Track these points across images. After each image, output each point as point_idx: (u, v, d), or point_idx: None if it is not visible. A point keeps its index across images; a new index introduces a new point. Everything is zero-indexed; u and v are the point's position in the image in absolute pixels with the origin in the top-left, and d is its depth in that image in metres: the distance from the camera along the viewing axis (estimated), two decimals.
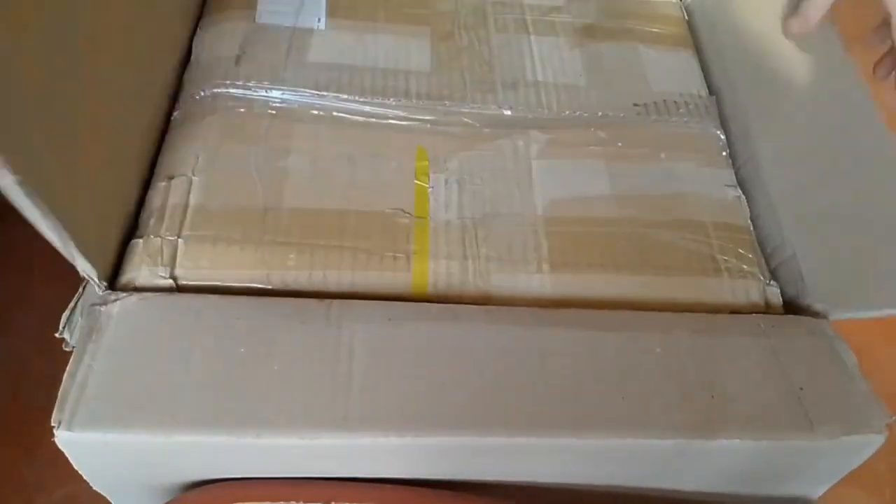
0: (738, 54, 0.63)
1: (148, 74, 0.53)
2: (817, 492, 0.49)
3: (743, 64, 0.62)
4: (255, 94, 0.54)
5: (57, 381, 0.39)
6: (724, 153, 0.58)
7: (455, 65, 0.59)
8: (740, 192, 0.55)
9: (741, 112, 0.59)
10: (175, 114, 0.53)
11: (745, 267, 0.51)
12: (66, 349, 0.42)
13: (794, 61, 0.63)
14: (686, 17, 0.68)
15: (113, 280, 0.45)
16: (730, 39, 0.64)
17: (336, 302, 0.44)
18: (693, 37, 0.66)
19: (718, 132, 0.59)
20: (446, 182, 0.52)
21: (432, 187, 0.52)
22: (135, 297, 0.43)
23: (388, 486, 0.43)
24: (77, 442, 0.38)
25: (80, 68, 0.50)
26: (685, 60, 0.64)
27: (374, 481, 0.43)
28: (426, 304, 0.46)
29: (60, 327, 0.43)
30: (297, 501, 0.41)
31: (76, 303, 0.44)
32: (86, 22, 0.52)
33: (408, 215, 0.50)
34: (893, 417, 0.43)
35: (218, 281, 0.45)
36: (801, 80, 0.61)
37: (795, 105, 0.60)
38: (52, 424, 0.38)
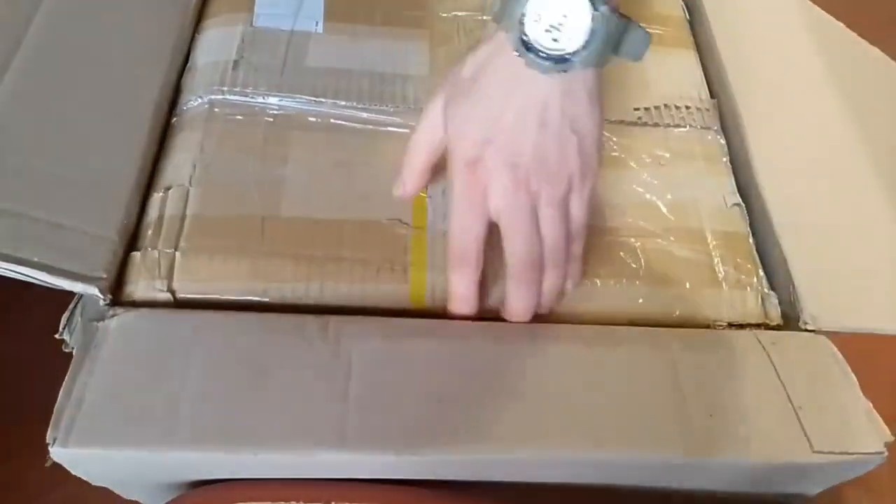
0: (736, 58, 0.62)
1: (145, 82, 0.52)
2: (814, 490, 0.49)
3: (740, 68, 0.61)
4: (252, 100, 0.53)
5: (57, 381, 0.39)
6: (724, 159, 0.57)
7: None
8: (740, 199, 0.55)
9: (736, 117, 0.59)
10: (173, 120, 0.53)
11: (743, 277, 0.51)
12: (66, 350, 0.42)
13: (793, 67, 0.63)
14: (688, 18, 0.67)
15: (113, 292, 0.45)
16: (728, 42, 0.63)
17: (333, 318, 0.44)
18: (695, 39, 0.66)
19: (719, 137, 0.58)
20: (444, 192, 0.52)
21: (430, 197, 0.51)
22: (132, 312, 0.43)
23: (388, 486, 0.43)
24: (73, 457, 0.39)
25: (75, 80, 0.50)
26: (686, 62, 0.63)
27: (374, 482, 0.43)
28: (423, 320, 0.46)
29: (60, 328, 0.43)
30: (297, 502, 0.41)
31: (76, 303, 0.44)
32: (82, 30, 0.52)
33: (405, 226, 0.49)
34: (893, 438, 0.43)
35: (216, 293, 0.45)
36: (796, 87, 0.61)
37: (789, 112, 0.60)
38: (47, 441, 0.38)
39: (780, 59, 0.63)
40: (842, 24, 0.67)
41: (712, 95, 0.61)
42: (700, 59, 0.64)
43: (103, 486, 0.46)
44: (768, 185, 0.54)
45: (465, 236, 0.45)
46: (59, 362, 0.41)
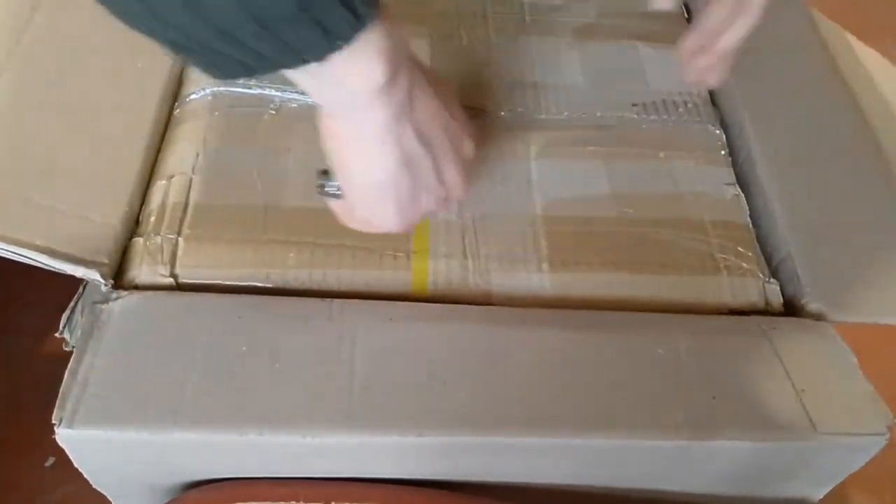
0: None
1: (148, 73, 0.53)
2: (818, 494, 0.49)
3: (740, 64, 0.62)
4: (254, 92, 0.54)
5: (57, 381, 0.39)
6: (723, 151, 0.58)
7: (454, 66, 0.59)
8: (739, 190, 0.55)
9: (737, 111, 0.59)
10: (175, 112, 0.53)
11: (744, 265, 0.51)
12: (66, 349, 0.42)
13: (792, 61, 0.63)
14: (686, 15, 0.67)
15: (115, 278, 0.45)
16: None
17: (337, 301, 0.44)
18: None
19: (718, 131, 0.59)
20: None
21: None
22: (136, 295, 0.43)
23: (389, 486, 0.43)
24: (78, 439, 0.38)
25: (79, 69, 0.51)
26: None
27: (374, 481, 0.43)
28: (427, 304, 0.46)
29: (60, 327, 0.43)
30: (297, 501, 0.41)
31: (76, 303, 0.44)
32: (86, 22, 0.53)
33: None
34: (895, 421, 0.43)
35: (218, 279, 0.45)
36: (798, 81, 0.62)
37: (792, 105, 0.60)
38: (53, 422, 0.38)
39: (780, 55, 0.63)
40: (837, 25, 0.68)
41: (712, 92, 0.62)
42: None
43: (103, 490, 0.46)
44: (771, 179, 0.55)
45: None
46: (59, 363, 0.40)
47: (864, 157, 0.57)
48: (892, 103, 0.63)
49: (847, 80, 0.62)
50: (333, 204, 0.44)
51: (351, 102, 0.36)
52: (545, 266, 0.49)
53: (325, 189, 0.43)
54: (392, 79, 0.35)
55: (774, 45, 0.64)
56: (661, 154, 0.56)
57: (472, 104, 0.57)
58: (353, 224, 0.44)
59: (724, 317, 0.48)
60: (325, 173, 0.42)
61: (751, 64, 0.62)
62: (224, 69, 0.33)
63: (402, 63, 0.35)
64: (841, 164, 0.57)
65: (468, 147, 0.43)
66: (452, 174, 0.42)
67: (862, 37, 0.67)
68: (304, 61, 0.32)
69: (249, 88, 0.54)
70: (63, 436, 0.38)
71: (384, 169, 0.39)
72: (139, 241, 0.46)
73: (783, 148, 0.57)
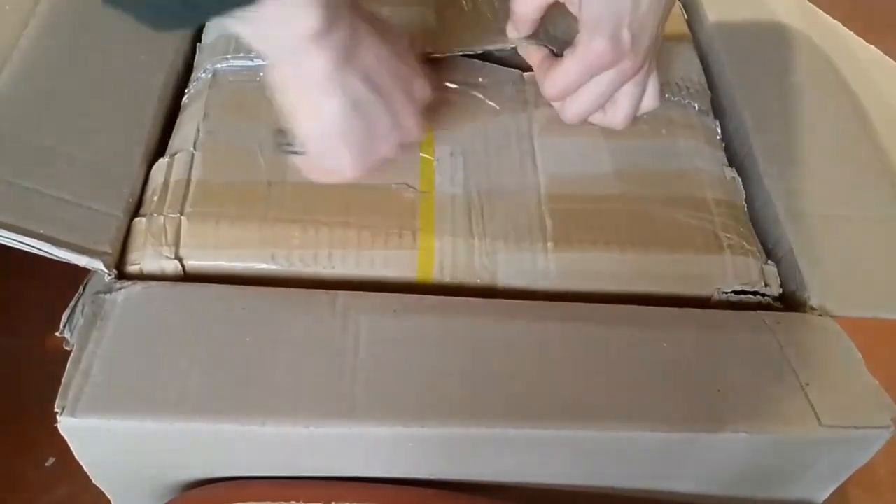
0: (734, 49, 0.63)
1: (151, 64, 0.53)
2: (821, 495, 0.49)
3: (739, 58, 0.62)
4: (255, 63, 0.53)
5: (57, 381, 0.39)
6: (717, 137, 0.58)
7: (459, 32, 0.58)
8: (735, 173, 0.55)
9: (737, 107, 0.59)
10: (184, 100, 0.54)
11: (745, 244, 0.51)
12: (67, 349, 0.42)
13: (792, 58, 0.63)
14: (685, 17, 0.68)
15: (119, 260, 0.45)
16: (727, 40, 0.64)
17: (342, 293, 0.44)
18: (693, 37, 0.66)
19: (714, 120, 0.59)
20: (451, 154, 0.51)
21: (437, 159, 0.51)
22: (139, 285, 0.43)
23: (389, 486, 0.43)
24: (80, 428, 0.38)
25: (81, 60, 0.51)
26: (683, 52, 0.63)
27: (375, 482, 0.43)
28: (432, 296, 0.46)
29: (61, 326, 0.43)
30: (297, 501, 0.41)
31: (77, 302, 0.44)
32: (90, 13, 0.53)
33: (413, 189, 0.49)
34: None
35: (223, 259, 0.45)
36: (797, 78, 0.62)
37: (791, 102, 0.60)
38: (56, 410, 0.37)
39: (779, 51, 0.64)
40: (837, 22, 0.68)
41: (711, 89, 0.62)
42: (700, 51, 0.64)
43: (102, 487, 0.45)
44: (772, 176, 0.55)
45: (571, 87, 0.49)
46: (59, 363, 0.40)
47: (864, 154, 0.58)
48: (892, 99, 0.63)
49: (846, 76, 0.62)
50: (297, 160, 0.44)
51: (290, 49, 0.37)
52: (550, 245, 0.49)
53: (288, 147, 0.44)
54: (330, 25, 0.36)
55: (774, 41, 0.64)
56: (663, 131, 0.56)
57: (474, 71, 0.57)
58: (315, 175, 0.45)
59: (728, 311, 0.48)
60: (282, 132, 0.43)
61: (750, 61, 0.62)
62: (159, 20, 0.33)
63: (340, 9, 0.36)
64: (841, 161, 0.57)
65: (421, 89, 0.44)
66: (407, 117, 0.43)
67: (863, 34, 0.67)
68: (237, 4, 0.32)
69: (251, 60, 0.53)
70: (65, 425, 0.38)
71: (333, 115, 0.40)
72: (141, 221, 0.46)
73: (783, 145, 0.57)
